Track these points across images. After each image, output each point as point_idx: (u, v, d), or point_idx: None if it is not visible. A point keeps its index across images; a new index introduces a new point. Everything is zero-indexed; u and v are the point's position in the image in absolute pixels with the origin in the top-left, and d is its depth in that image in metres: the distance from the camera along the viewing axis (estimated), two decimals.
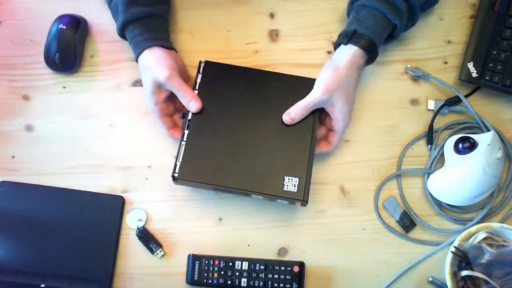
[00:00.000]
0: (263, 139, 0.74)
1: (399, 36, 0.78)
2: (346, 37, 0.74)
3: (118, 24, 0.77)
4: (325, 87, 0.72)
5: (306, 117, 0.74)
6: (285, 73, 0.78)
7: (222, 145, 0.74)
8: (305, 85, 0.75)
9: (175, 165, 0.73)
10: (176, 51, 0.80)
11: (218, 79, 0.78)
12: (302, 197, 0.71)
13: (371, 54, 0.74)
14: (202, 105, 0.75)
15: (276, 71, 0.79)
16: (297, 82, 0.77)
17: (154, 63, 0.74)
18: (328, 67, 0.74)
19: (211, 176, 0.72)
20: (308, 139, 0.74)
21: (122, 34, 0.79)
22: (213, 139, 0.74)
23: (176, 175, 0.73)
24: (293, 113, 0.74)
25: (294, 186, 0.71)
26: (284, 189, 0.71)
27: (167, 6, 0.81)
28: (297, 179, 0.72)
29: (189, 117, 0.75)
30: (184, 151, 0.73)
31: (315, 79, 0.75)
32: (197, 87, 0.77)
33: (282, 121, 0.75)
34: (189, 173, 0.73)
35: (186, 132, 0.75)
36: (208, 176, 0.72)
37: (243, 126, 0.75)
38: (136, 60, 0.77)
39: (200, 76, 0.77)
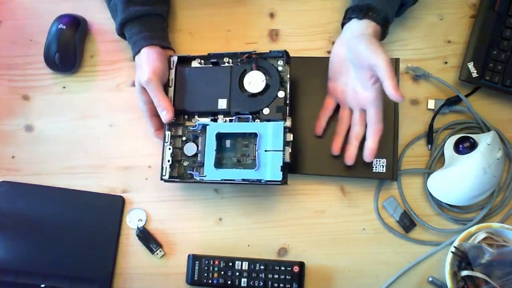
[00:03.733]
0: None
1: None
2: (360, 12, 0.71)
3: (117, 23, 0.77)
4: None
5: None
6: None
7: None
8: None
9: (162, 167, 0.75)
10: (174, 51, 0.80)
11: None
12: (391, 176, 0.76)
13: (384, 30, 0.73)
14: (174, 115, 0.74)
15: None
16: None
17: (144, 63, 0.74)
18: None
19: None
20: (391, 119, 0.76)
21: (121, 33, 0.79)
22: None
23: (165, 177, 0.75)
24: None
25: (382, 167, 0.76)
26: (374, 170, 0.76)
27: (166, 6, 0.81)
28: (385, 160, 0.76)
29: None
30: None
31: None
32: (171, 84, 0.76)
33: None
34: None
35: (168, 133, 0.75)
36: None
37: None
38: (134, 59, 0.77)
39: (172, 72, 0.77)
